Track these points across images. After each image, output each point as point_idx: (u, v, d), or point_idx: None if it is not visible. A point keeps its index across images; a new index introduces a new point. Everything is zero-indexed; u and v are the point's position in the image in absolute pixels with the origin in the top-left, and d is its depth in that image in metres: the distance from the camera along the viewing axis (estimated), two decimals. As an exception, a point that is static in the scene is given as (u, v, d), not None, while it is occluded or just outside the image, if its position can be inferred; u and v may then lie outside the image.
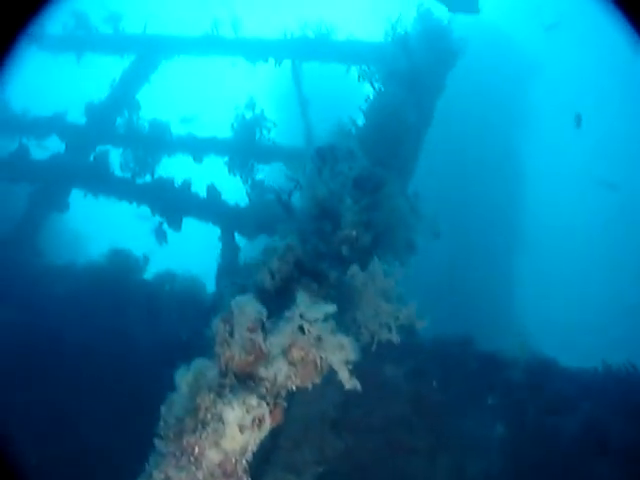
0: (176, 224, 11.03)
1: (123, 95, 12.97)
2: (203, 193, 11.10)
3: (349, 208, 6.11)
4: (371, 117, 7.95)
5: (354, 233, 6.26)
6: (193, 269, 11.02)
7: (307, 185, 6.40)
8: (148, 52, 13.51)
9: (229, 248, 10.50)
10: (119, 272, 10.06)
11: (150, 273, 10.87)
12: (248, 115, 11.15)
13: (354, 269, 5.15)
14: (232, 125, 11.24)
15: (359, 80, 12.20)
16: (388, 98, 7.88)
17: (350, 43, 12.18)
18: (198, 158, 11.67)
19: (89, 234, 20.18)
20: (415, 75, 8.63)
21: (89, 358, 9.45)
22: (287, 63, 12.50)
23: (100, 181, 11.36)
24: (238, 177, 11.26)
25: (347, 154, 6.33)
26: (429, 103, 8.88)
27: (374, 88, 8.93)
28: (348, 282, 5.10)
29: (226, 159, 11.39)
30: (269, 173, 12.21)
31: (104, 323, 9.71)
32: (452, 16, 10.64)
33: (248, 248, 10.53)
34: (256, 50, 12.71)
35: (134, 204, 11.13)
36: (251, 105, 11.06)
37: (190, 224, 10.98)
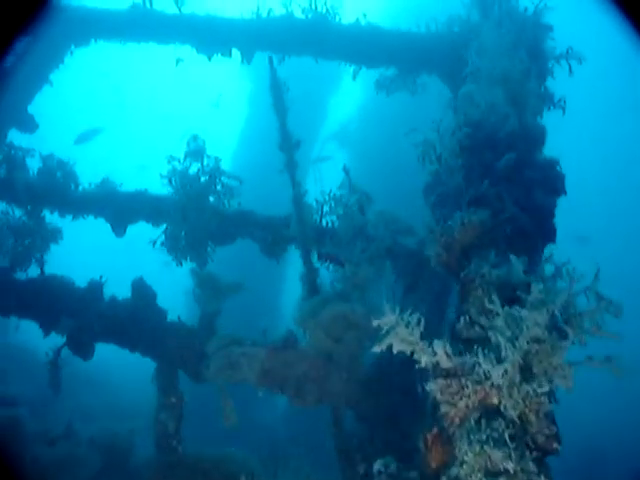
0: (84, 351, 6.71)
1: (4, 106, 8.25)
2: (126, 293, 6.71)
3: None
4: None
5: None
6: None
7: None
8: (51, 34, 8.62)
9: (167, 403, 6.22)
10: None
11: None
12: (195, 164, 6.58)
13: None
14: (170, 179, 6.66)
15: (377, 92, 7.71)
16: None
17: (364, 31, 7.48)
18: (118, 229, 7.15)
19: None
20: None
21: None
22: (261, 59, 7.71)
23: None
24: (185, 266, 6.83)
25: None
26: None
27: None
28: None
29: (163, 232, 6.89)
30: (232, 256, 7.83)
31: None
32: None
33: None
34: (213, 37, 7.96)
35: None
36: (198, 149, 6.47)
37: (107, 351, 6.67)
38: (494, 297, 2.77)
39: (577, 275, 2.85)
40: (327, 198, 6.71)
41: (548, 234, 4.00)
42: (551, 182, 4.17)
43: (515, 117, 4.38)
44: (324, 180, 17.75)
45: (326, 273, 6.17)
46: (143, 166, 14.04)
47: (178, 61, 8.16)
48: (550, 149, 5.47)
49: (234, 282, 6.83)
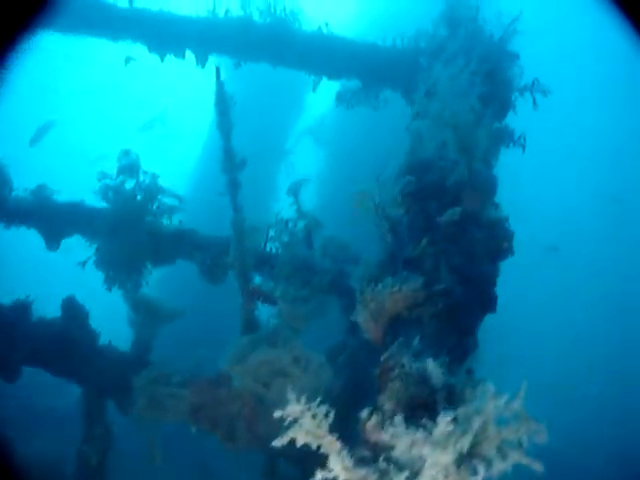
0: (8, 375, 6.24)
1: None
2: (53, 313, 6.23)
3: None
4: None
5: None
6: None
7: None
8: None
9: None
10: None
11: None
12: (130, 178, 6.09)
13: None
14: (105, 193, 6.17)
15: (337, 105, 7.29)
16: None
17: (328, 39, 7.00)
18: (51, 243, 6.65)
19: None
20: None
21: None
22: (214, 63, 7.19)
23: None
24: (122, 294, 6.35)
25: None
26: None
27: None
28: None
29: (95, 253, 6.39)
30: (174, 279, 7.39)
31: None
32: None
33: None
34: (165, 37, 7.42)
35: None
36: (132, 163, 5.98)
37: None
38: (398, 418, 2.38)
39: (499, 393, 2.47)
40: (274, 221, 6.28)
41: (487, 304, 3.63)
42: (497, 242, 3.78)
43: (464, 165, 3.98)
44: (296, 175, 17.29)
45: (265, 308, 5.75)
46: (103, 155, 13.36)
47: (128, 60, 7.59)
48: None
49: (173, 307, 6.42)
